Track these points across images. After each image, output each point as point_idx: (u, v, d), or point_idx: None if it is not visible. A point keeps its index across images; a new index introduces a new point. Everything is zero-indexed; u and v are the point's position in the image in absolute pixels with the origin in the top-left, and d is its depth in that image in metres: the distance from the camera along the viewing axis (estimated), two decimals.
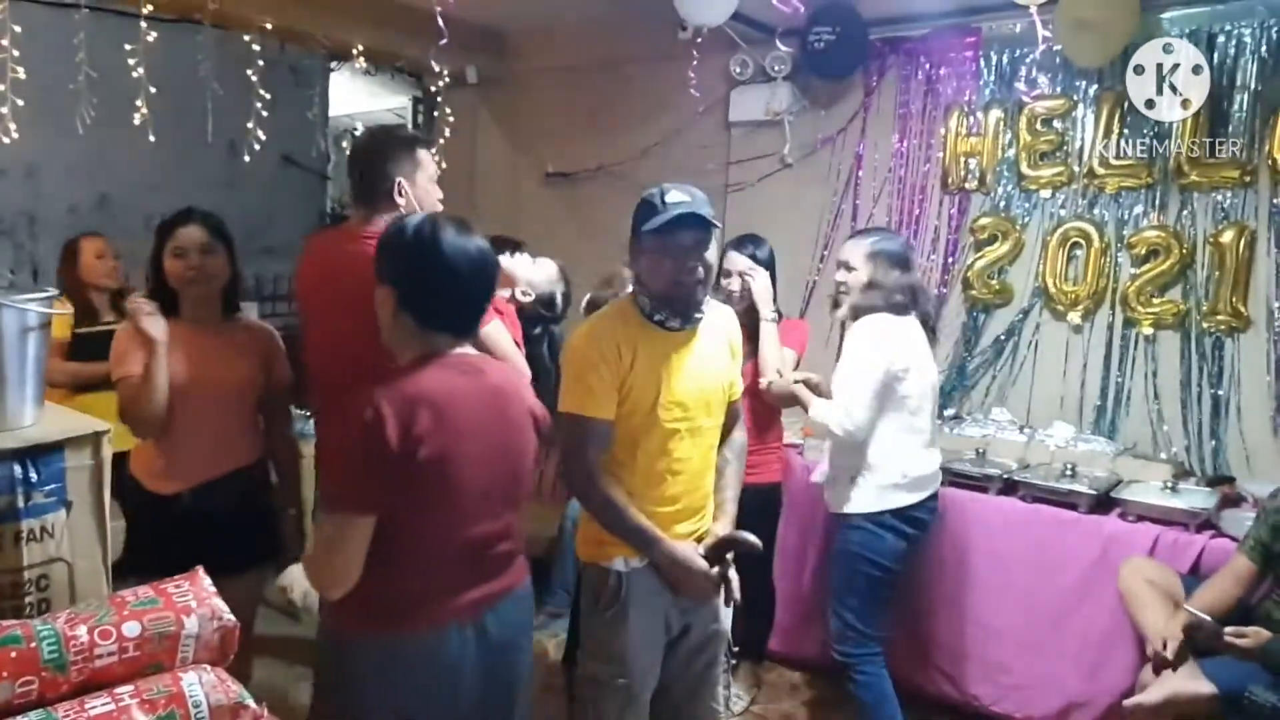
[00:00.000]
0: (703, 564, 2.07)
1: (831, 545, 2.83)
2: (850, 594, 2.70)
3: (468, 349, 1.76)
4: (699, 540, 2.13)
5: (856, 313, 2.72)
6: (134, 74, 3.47)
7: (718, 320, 2.18)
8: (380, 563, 1.63)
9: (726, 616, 2.24)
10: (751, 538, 2.09)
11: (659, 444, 2.05)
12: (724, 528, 2.14)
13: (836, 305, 2.83)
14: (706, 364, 2.11)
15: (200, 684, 1.15)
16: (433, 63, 4.63)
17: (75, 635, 1.11)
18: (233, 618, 1.23)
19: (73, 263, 3.50)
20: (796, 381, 2.87)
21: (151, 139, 3.55)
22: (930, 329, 2.81)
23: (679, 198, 1.98)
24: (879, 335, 2.64)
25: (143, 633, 1.15)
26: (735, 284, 3.02)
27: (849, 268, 2.77)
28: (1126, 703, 2.54)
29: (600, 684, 2.10)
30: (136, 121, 3.53)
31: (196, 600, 1.22)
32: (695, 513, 2.14)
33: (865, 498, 2.70)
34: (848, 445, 2.67)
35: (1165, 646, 2.47)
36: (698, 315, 2.07)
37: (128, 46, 3.49)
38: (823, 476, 2.90)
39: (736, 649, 2.39)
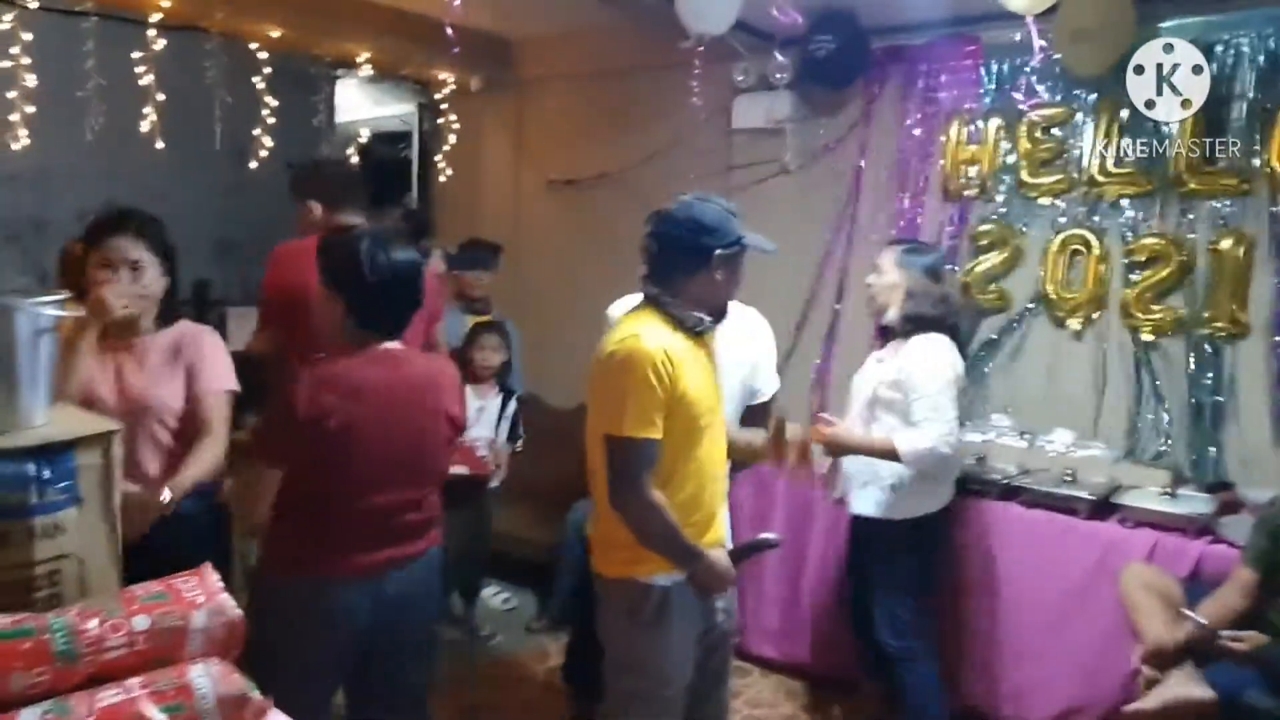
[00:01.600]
0: (734, 574, 2.12)
1: (875, 549, 2.90)
2: (910, 592, 2.86)
3: (395, 344, 2.09)
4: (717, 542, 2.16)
5: (908, 322, 2.83)
6: (141, 81, 3.51)
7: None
8: (298, 517, 2.00)
9: (736, 613, 2.30)
10: (769, 536, 2.19)
11: (697, 452, 2.07)
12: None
13: (870, 309, 3.01)
14: (721, 362, 2.18)
15: (208, 676, 1.16)
16: (436, 71, 4.69)
17: (86, 628, 1.14)
18: (239, 612, 1.25)
19: (77, 267, 3.45)
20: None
21: (160, 146, 3.59)
22: (961, 345, 2.94)
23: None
24: (949, 358, 2.80)
25: (152, 626, 1.17)
26: None
27: (879, 271, 2.96)
28: (1125, 708, 2.55)
29: (641, 698, 2.09)
30: (145, 129, 3.57)
31: (204, 595, 1.24)
32: (717, 514, 2.18)
33: (929, 502, 2.86)
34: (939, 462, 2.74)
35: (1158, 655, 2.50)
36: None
37: (136, 55, 3.53)
38: (847, 487, 2.96)
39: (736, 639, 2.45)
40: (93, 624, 1.15)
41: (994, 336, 3.76)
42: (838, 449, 2.94)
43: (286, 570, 2.01)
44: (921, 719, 2.87)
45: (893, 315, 2.86)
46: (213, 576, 1.29)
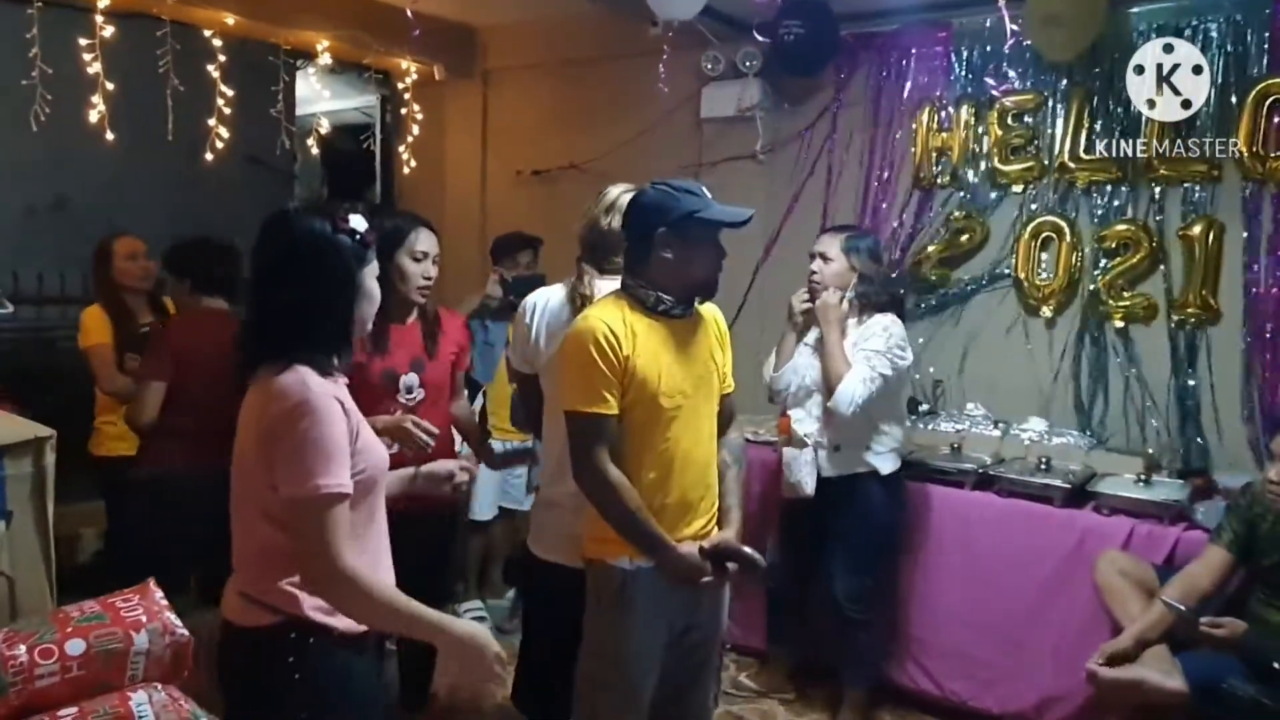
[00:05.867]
0: (706, 568, 2.04)
1: (846, 511, 3.02)
2: (878, 556, 3.08)
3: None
4: (702, 538, 2.10)
5: (864, 305, 3.00)
6: (90, 70, 3.38)
7: (705, 312, 2.20)
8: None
9: (725, 616, 2.25)
10: (756, 556, 2.07)
11: (664, 434, 2.04)
12: (730, 537, 2.12)
13: (813, 296, 3.04)
14: (701, 350, 2.14)
15: (150, 703, 1.08)
16: (399, 61, 4.58)
17: (14, 655, 1.05)
18: (186, 632, 1.17)
19: (106, 264, 3.39)
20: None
21: (110, 136, 3.46)
22: (904, 317, 3.14)
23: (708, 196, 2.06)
24: (902, 337, 2.97)
25: (88, 650, 1.09)
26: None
27: (825, 259, 3.03)
28: (1090, 664, 2.54)
29: (599, 682, 2.08)
30: (93, 119, 3.43)
31: (147, 615, 1.16)
32: (704, 511, 2.13)
33: (884, 462, 3.01)
34: (845, 420, 2.91)
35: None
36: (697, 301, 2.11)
37: (83, 42, 3.39)
38: (810, 455, 3.02)
39: (729, 646, 2.39)
40: (20, 650, 1.06)
41: (962, 324, 3.75)
42: (828, 313, 2.98)
43: None
44: (870, 678, 3.13)
45: (837, 298, 2.99)
46: (156, 594, 1.20)
